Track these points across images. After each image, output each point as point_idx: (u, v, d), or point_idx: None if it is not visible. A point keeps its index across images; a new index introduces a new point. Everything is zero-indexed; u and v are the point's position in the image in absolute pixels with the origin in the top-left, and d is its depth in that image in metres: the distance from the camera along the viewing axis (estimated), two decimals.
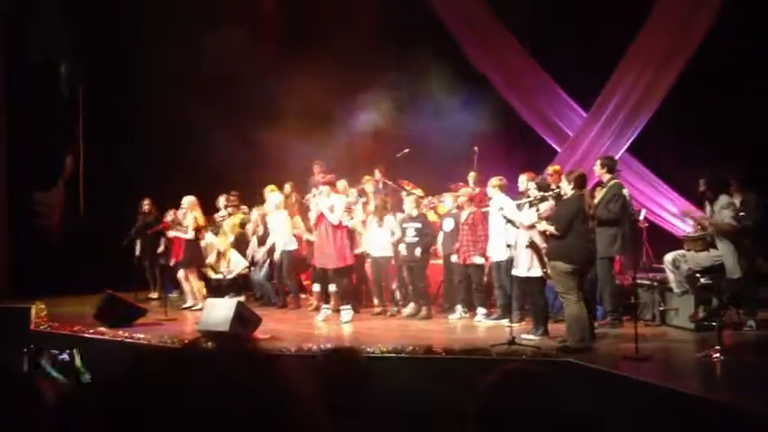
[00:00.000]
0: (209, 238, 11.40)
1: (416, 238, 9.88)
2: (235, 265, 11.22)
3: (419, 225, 9.96)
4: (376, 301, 10.57)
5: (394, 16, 12.71)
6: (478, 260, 9.52)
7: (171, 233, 11.63)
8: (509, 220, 8.25)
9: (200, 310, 10.71)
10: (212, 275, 11.36)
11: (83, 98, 13.96)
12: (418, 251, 9.82)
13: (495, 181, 9.34)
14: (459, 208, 9.87)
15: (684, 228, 10.83)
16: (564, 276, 7.37)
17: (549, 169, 10.18)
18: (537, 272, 8.18)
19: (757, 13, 10.36)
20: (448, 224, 10.00)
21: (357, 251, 10.51)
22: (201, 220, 11.37)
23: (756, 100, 10.49)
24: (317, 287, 10.76)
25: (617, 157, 10.40)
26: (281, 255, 10.99)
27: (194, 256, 11.35)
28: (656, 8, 11.52)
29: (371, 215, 10.43)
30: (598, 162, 9.13)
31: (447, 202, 10.33)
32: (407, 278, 10.16)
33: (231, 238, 11.40)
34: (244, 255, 11.46)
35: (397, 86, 12.01)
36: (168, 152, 12.69)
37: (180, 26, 11.73)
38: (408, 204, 10.23)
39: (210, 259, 11.32)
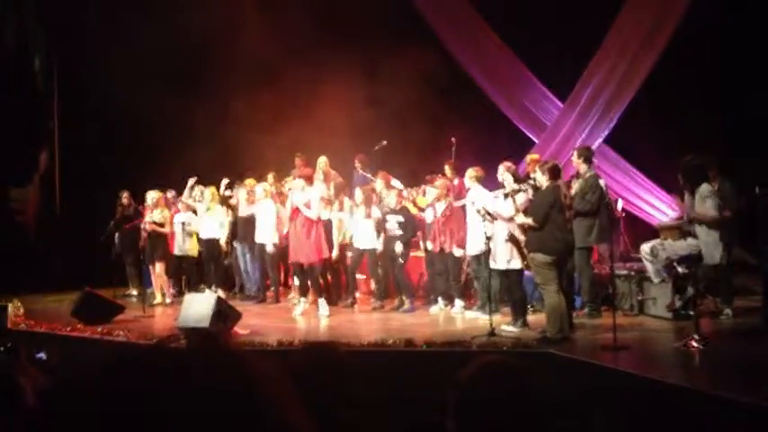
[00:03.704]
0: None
1: (399, 231, 9.86)
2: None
3: (401, 218, 9.92)
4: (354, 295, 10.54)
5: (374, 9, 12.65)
6: (457, 252, 9.51)
7: (150, 227, 11.33)
8: (487, 213, 8.24)
9: (168, 305, 10.71)
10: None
11: (58, 91, 13.78)
12: (400, 245, 9.81)
13: (471, 172, 9.31)
14: (437, 199, 9.80)
15: (661, 217, 10.90)
16: (543, 268, 7.40)
17: (528, 158, 10.20)
18: (516, 264, 8.20)
19: (731, 3, 10.47)
20: (430, 216, 9.96)
21: (339, 242, 10.48)
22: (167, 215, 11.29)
23: (731, 86, 10.59)
24: (297, 281, 10.71)
25: (593, 148, 10.44)
26: (263, 247, 10.90)
27: (162, 248, 11.22)
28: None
29: (360, 205, 10.31)
30: (575, 153, 9.16)
31: (430, 194, 10.22)
32: (390, 271, 10.13)
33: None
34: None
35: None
36: (145, 146, 12.55)
37: (158, 18, 11.59)
38: (390, 198, 10.16)
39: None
